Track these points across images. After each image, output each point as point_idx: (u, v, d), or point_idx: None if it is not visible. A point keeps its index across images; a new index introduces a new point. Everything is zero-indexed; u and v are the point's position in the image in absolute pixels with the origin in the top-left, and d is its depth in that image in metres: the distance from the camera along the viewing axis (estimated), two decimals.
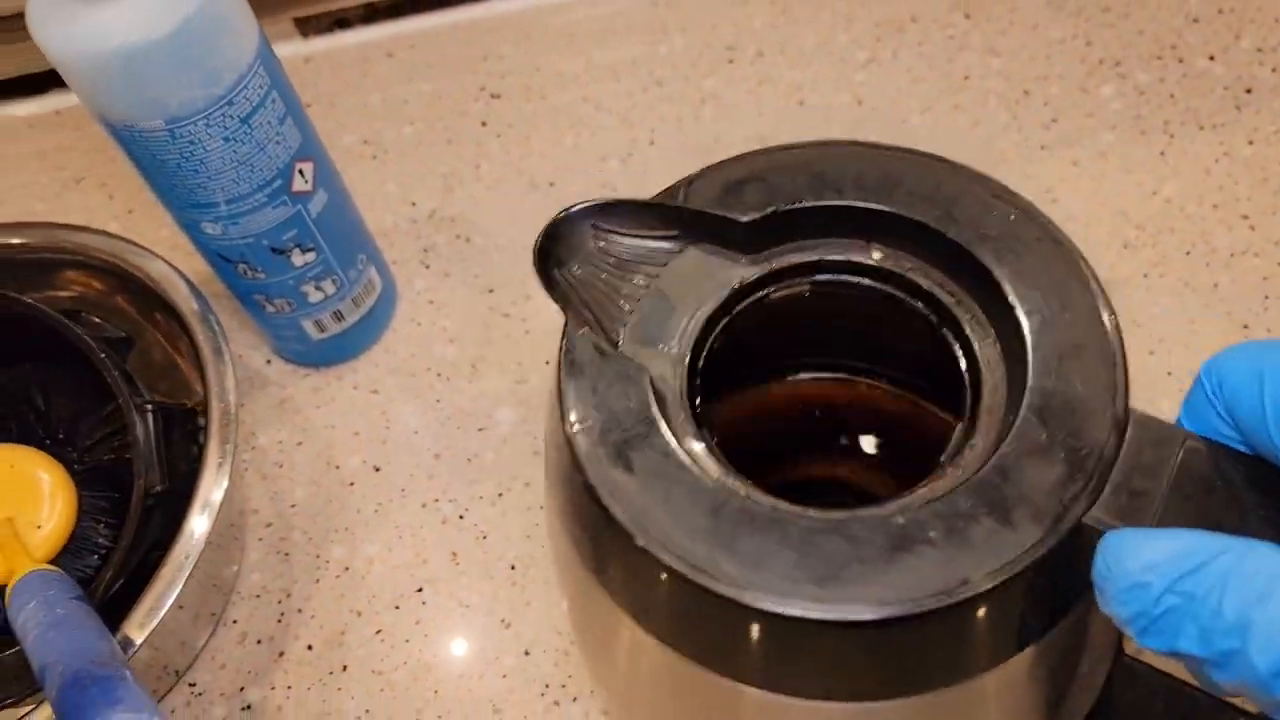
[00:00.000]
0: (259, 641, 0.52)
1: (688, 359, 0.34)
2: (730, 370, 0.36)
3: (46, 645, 0.38)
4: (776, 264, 0.37)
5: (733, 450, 0.32)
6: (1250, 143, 0.61)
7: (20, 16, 0.42)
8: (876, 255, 0.36)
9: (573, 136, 0.67)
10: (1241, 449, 0.27)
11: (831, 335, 0.39)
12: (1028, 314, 0.31)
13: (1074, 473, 0.27)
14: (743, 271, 0.37)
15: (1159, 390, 0.53)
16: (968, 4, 0.69)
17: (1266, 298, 0.55)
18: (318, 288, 0.54)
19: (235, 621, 0.52)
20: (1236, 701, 0.34)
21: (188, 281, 0.51)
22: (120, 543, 0.45)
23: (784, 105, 0.67)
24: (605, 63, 0.69)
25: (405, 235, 0.64)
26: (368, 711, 0.50)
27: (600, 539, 0.31)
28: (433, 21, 0.71)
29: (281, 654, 0.51)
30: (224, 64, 0.44)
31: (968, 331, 0.33)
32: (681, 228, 0.37)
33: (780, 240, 0.37)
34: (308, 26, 0.70)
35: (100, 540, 0.51)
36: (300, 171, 0.50)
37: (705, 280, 0.37)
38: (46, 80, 0.70)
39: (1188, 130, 0.62)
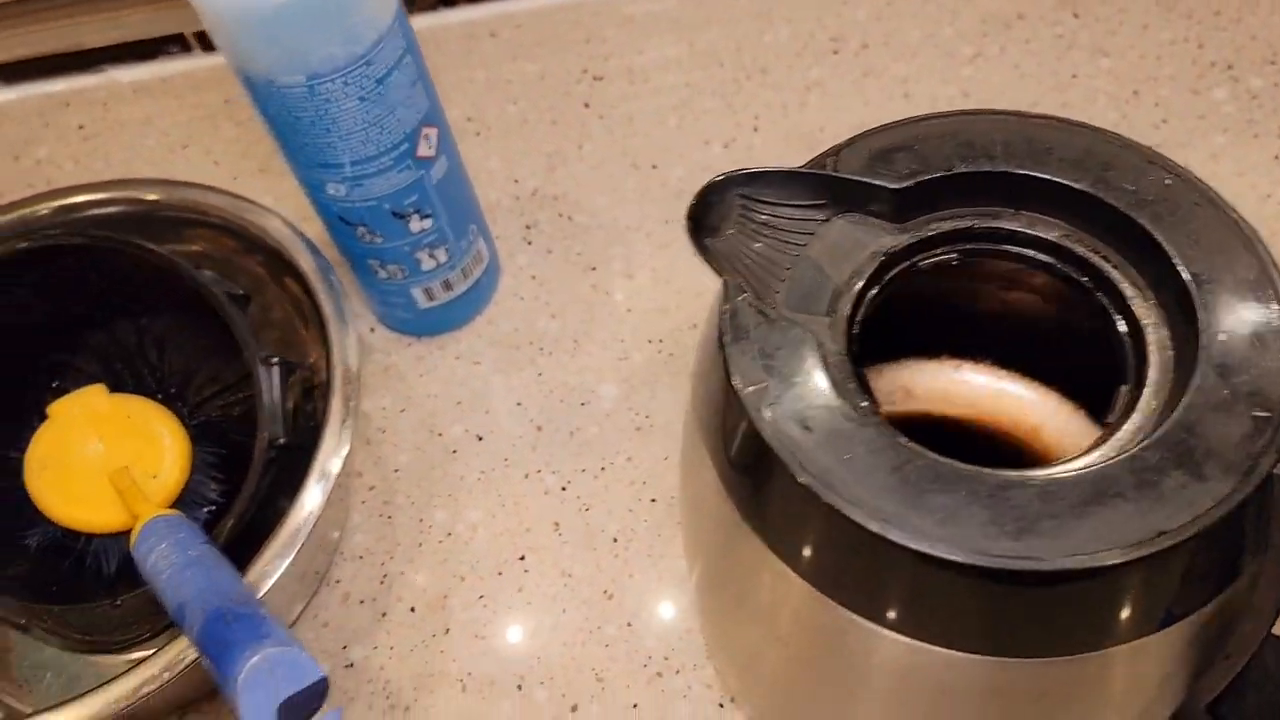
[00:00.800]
0: (361, 602, 0.52)
1: (846, 324, 0.34)
2: (882, 340, 0.36)
3: (184, 584, 0.39)
4: (927, 231, 0.37)
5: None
6: None
7: None
8: (1028, 222, 0.36)
9: (675, 120, 0.67)
10: None
11: (980, 314, 0.39)
12: (1194, 274, 0.31)
13: (1261, 426, 0.27)
14: (892, 240, 0.37)
15: None
16: (1075, 3, 0.69)
17: None
18: (431, 255, 0.55)
19: (338, 581, 0.53)
20: None
21: (309, 243, 0.52)
22: (243, 491, 0.46)
23: (889, 97, 0.67)
24: (708, 49, 0.70)
25: (508, 212, 0.64)
26: (469, 675, 0.50)
27: (775, 500, 0.31)
28: (537, 3, 0.72)
29: (384, 615, 0.52)
30: (365, 23, 0.45)
31: (1126, 294, 0.33)
32: (830, 196, 0.37)
33: (929, 208, 0.37)
34: (414, 4, 0.71)
35: (210, 494, 0.52)
36: (426, 137, 0.50)
37: (855, 248, 0.37)
38: (154, 47, 0.72)
39: None
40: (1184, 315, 0.31)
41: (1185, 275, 0.31)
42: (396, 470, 0.56)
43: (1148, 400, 0.30)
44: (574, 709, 0.48)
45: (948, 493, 0.27)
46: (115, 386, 0.52)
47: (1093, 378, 0.35)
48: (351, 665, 0.51)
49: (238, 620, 0.36)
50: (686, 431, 0.38)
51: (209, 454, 0.52)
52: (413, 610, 0.52)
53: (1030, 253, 0.36)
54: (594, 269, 0.62)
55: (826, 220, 0.38)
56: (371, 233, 0.52)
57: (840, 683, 0.35)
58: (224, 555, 0.42)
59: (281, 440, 0.47)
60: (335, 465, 0.45)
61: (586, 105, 0.68)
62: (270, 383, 0.47)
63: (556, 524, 0.54)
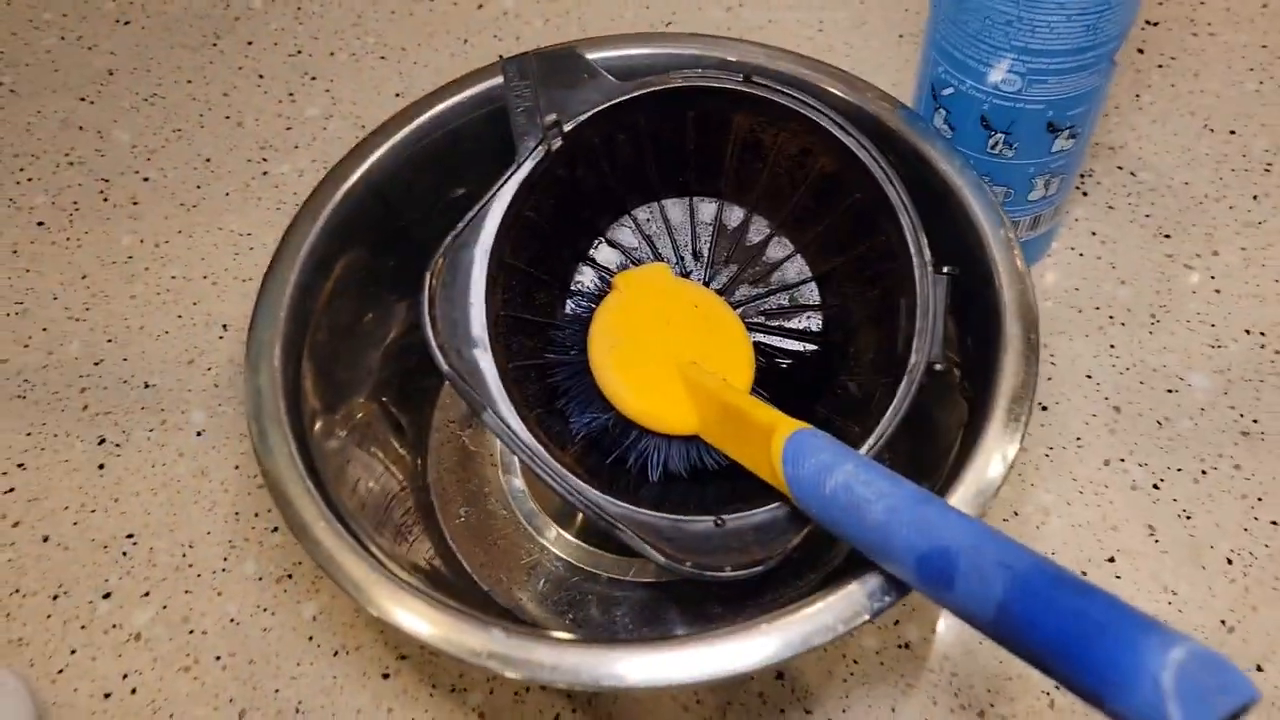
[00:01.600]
0: None
1: None
2: None
3: (931, 524, 0.30)
4: None
5: None
6: None
7: None
8: None
9: (1253, 83, 0.57)
10: None
11: None
12: None
13: None
14: None
15: None
16: None
17: None
18: (1046, 184, 0.46)
19: None
20: None
21: (944, 140, 0.43)
22: (886, 417, 0.38)
23: None
24: None
25: None
26: (1057, 688, 0.41)
27: None
28: None
29: None
30: None
31: None
32: None
33: None
34: None
35: None
36: (1129, 39, 0.41)
37: None
38: None
39: None
40: None
41: None
42: None
43: None
44: None
45: None
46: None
47: None
48: (907, 645, 0.42)
49: (1083, 593, 0.27)
50: None
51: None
52: None
53: None
54: (1167, 236, 0.52)
55: None
56: (1008, 143, 0.43)
57: None
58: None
59: (940, 366, 0.38)
60: (1022, 410, 0.37)
61: (1140, 50, 0.59)
62: (934, 295, 0.38)
63: (1150, 527, 0.45)
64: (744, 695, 0.42)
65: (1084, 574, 0.44)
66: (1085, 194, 0.54)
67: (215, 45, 0.65)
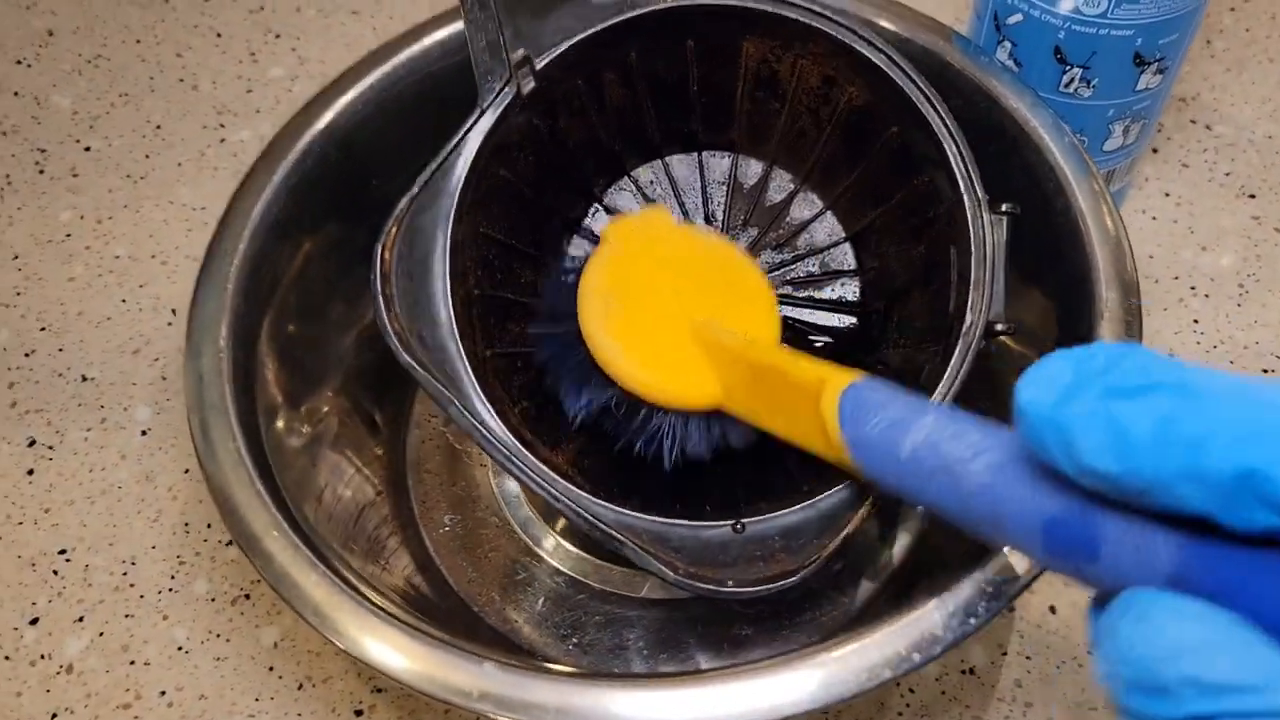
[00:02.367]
0: None
1: None
2: None
3: (1040, 492, 0.23)
4: None
5: None
6: None
7: None
8: None
9: None
10: None
11: None
12: None
13: None
14: None
15: None
16: None
17: None
18: (1125, 130, 0.39)
19: None
20: None
21: (1013, 75, 0.37)
22: (945, 378, 0.31)
23: None
24: None
25: None
26: None
27: None
28: None
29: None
30: None
31: None
32: None
33: None
34: None
35: None
36: None
37: None
38: None
39: None
40: None
41: None
42: None
43: None
44: None
45: None
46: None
47: None
48: (972, 670, 0.36)
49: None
50: None
51: None
52: None
53: None
54: (1251, 196, 0.46)
55: None
56: (1086, 79, 0.37)
57: None
58: None
59: (1002, 326, 0.31)
60: None
61: None
62: (992, 238, 0.31)
63: None
64: None
65: None
66: (1155, 150, 0.47)
67: (167, 1, 0.58)
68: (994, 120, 0.36)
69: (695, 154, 0.39)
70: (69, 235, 0.49)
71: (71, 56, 0.56)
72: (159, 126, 0.53)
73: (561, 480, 0.30)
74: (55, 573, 0.40)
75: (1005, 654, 0.36)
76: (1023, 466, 0.22)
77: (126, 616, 0.39)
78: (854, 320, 0.37)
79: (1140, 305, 0.31)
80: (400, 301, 0.31)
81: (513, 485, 0.41)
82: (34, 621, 0.39)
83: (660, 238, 0.36)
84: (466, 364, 0.31)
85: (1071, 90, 0.37)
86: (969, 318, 0.31)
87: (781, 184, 0.39)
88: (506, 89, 0.33)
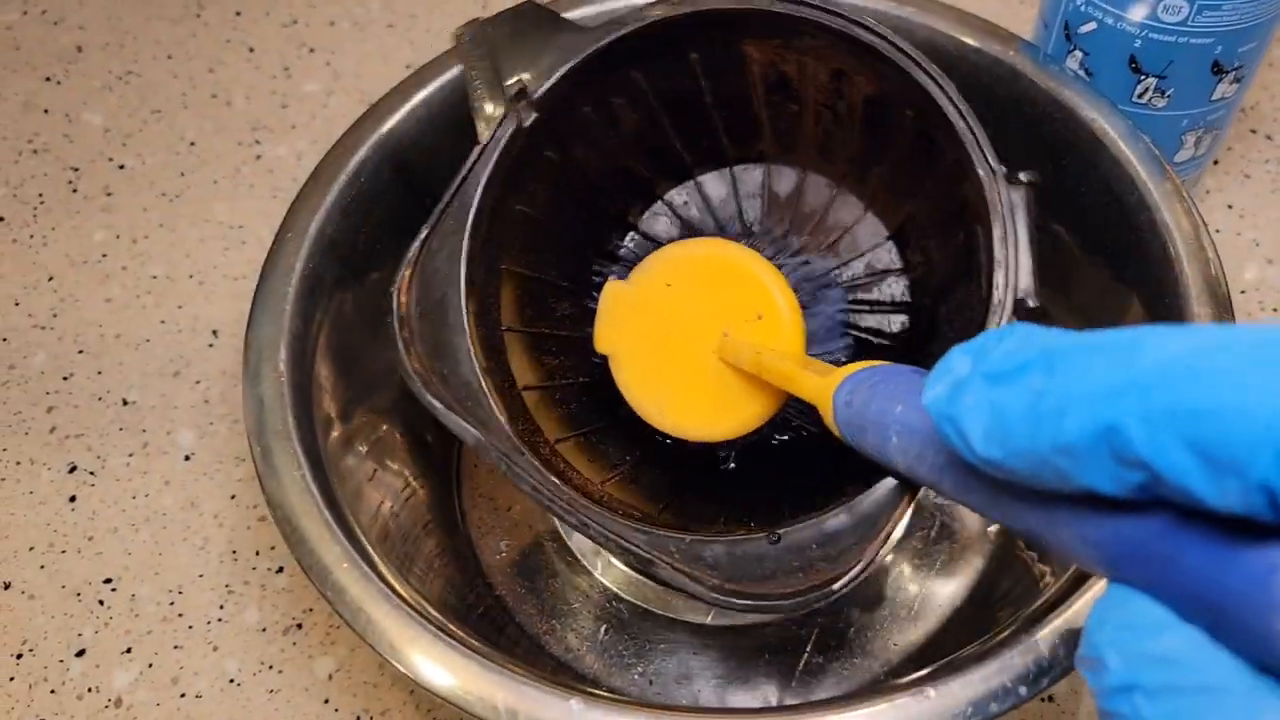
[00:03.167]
0: None
1: None
2: None
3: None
4: None
5: None
6: None
7: None
8: None
9: None
10: None
11: None
12: None
13: None
14: None
15: None
16: None
17: None
18: (1198, 141, 0.39)
19: None
20: None
21: (1077, 76, 0.36)
22: None
23: None
24: None
25: None
26: None
27: None
28: None
29: None
30: None
31: None
32: None
33: None
34: None
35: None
36: None
37: None
38: None
39: None
40: None
41: None
42: None
43: None
44: None
45: None
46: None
47: None
48: (1051, 699, 0.35)
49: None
50: None
51: None
52: None
53: None
54: None
55: None
56: (1161, 89, 0.36)
57: None
58: None
59: (1033, 303, 0.30)
60: None
61: None
62: (1012, 211, 0.30)
63: None
64: None
65: None
66: (1216, 161, 0.47)
67: (199, 16, 0.57)
68: (1069, 131, 0.35)
69: (727, 169, 0.38)
70: (104, 255, 0.48)
71: (102, 73, 0.55)
72: (193, 143, 0.52)
73: (594, 507, 0.29)
74: (101, 602, 0.39)
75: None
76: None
77: (175, 648, 0.38)
78: (905, 319, 0.37)
79: (1234, 321, 0.30)
80: (420, 342, 0.31)
81: None
82: (80, 653, 0.38)
83: (656, 271, 0.35)
84: (492, 399, 0.31)
85: (1145, 100, 0.37)
86: (996, 296, 0.29)
87: (818, 188, 0.38)
88: (506, 123, 0.32)
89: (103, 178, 0.51)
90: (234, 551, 0.40)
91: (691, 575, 0.28)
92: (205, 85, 0.54)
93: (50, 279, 0.48)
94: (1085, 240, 0.36)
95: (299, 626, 0.39)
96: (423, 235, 0.32)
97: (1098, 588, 0.27)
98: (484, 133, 0.33)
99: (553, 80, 0.33)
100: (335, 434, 0.34)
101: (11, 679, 0.38)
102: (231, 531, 0.41)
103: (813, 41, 0.33)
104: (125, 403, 0.44)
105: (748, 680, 0.37)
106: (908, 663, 0.36)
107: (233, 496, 0.41)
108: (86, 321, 0.46)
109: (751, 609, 0.28)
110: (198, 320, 0.46)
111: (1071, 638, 0.26)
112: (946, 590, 0.37)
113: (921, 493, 0.33)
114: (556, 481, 0.30)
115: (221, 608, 0.39)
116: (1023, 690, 0.26)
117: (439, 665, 0.27)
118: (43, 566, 0.40)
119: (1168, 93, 0.36)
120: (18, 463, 0.42)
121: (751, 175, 0.39)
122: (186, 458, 0.43)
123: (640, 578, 0.39)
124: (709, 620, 0.38)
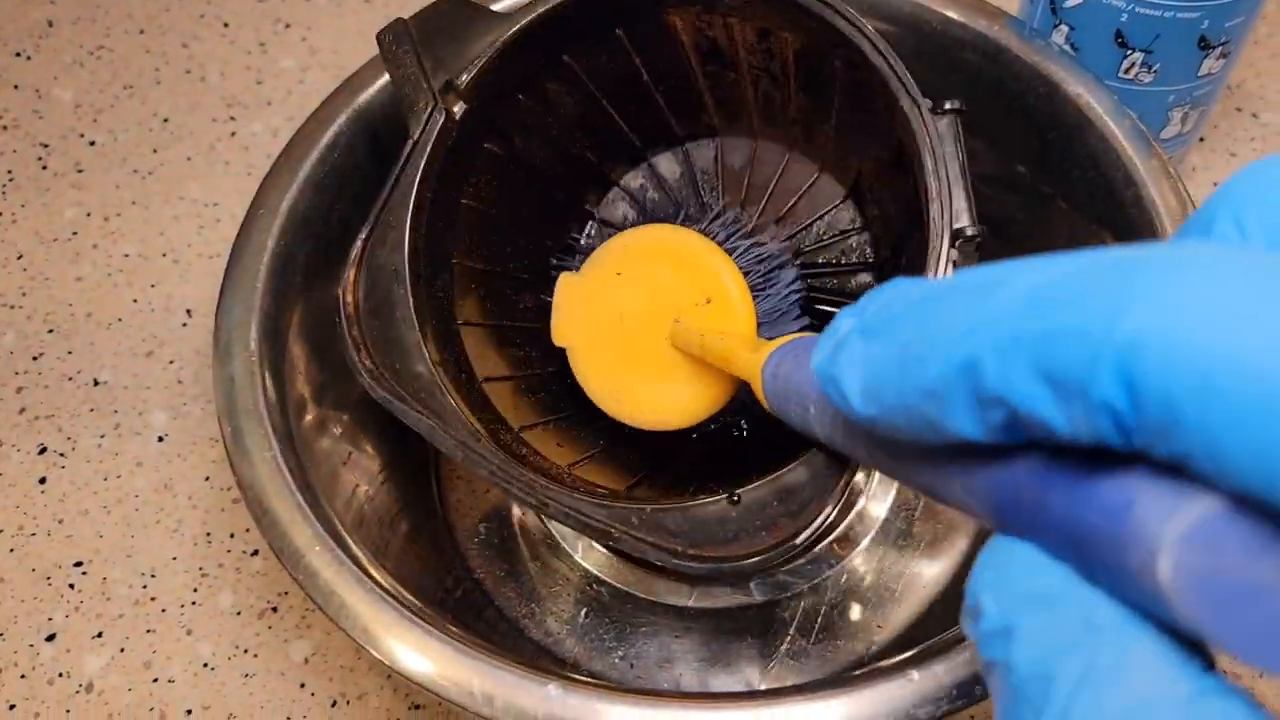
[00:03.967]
0: None
1: None
2: None
3: None
4: None
5: None
6: None
7: None
8: None
9: None
10: None
11: None
12: None
13: None
14: None
15: None
16: None
17: None
18: (1184, 117, 0.38)
19: None
20: None
21: (1066, 54, 0.35)
22: None
23: None
24: None
25: None
26: None
27: None
28: None
29: None
30: None
31: None
32: None
33: None
34: None
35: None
36: None
37: None
38: None
39: None
40: None
41: None
42: None
43: None
44: None
45: None
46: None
47: None
48: None
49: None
50: None
51: None
52: None
53: None
54: None
55: None
56: (1147, 64, 0.36)
57: None
58: None
59: (972, 230, 0.29)
60: None
61: None
62: (940, 143, 0.29)
63: None
64: None
65: None
66: (1202, 139, 0.46)
67: None
68: (1054, 107, 0.35)
69: (679, 147, 0.38)
70: (75, 233, 0.48)
71: (73, 48, 0.54)
72: (166, 120, 0.51)
73: (553, 486, 0.29)
74: (71, 586, 0.39)
75: None
76: None
77: (148, 632, 0.38)
78: (870, 277, 0.36)
79: None
80: (370, 340, 0.31)
81: None
82: (51, 638, 0.38)
83: (603, 265, 0.34)
84: (448, 391, 0.30)
85: (1131, 76, 0.36)
86: (931, 230, 0.29)
87: (771, 157, 0.37)
88: (435, 116, 0.32)
89: (74, 154, 0.50)
90: (208, 534, 0.40)
91: (654, 544, 0.28)
92: (179, 60, 0.53)
93: (20, 257, 0.47)
94: (1074, 210, 0.35)
95: (274, 610, 0.38)
96: (363, 235, 0.32)
97: None
98: (414, 127, 0.32)
99: (476, 69, 0.32)
100: (309, 417, 0.34)
101: None
102: (205, 514, 0.40)
103: (732, 2, 0.32)
104: (97, 383, 0.43)
105: (730, 663, 0.36)
106: (891, 645, 0.36)
107: (207, 478, 0.41)
108: (57, 300, 0.46)
109: (713, 571, 0.28)
110: (171, 299, 0.46)
111: None
112: (930, 572, 0.37)
113: None
114: (515, 465, 0.29)
115: (195, 591, 0.38)
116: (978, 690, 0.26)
117: (414, 650, 0.27)
118: (12, 550, 0.39)
119: (1154, 68, 0.36)
120: None
121: (704, 151, 0.38)
122: (160, 439, 0.42)
123: (621, 560, 0.38)
124: (691, 602, 0.37)
